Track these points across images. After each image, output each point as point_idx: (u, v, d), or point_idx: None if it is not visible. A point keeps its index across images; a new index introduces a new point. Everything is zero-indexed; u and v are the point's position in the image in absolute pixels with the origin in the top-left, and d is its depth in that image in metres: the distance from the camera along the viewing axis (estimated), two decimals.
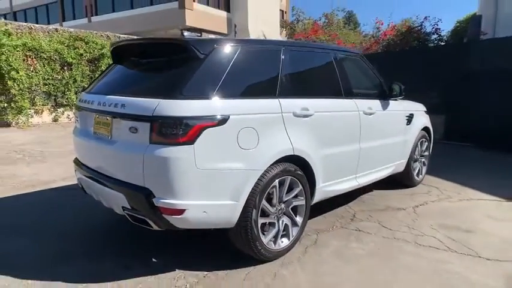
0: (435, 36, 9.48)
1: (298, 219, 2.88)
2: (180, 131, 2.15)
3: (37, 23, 30.77)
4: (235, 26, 18.37)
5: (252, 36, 25.28)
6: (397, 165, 4.21)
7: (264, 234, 2.62)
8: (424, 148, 4.77)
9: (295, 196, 2.83)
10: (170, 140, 2.15)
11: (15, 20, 29.99)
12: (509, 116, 6.98)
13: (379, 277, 2.53)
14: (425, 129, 4.74)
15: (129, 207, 2.34)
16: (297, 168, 2.75)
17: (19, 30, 9.87)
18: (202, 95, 2.28)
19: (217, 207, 2.32)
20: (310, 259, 2.76)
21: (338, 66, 3.32)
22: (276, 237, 2.70)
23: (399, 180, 4.59)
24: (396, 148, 4.10)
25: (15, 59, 8.77)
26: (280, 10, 33.61)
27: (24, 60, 9.12)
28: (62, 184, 4.61)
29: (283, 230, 2.78)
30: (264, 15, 26.87)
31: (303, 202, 2.88)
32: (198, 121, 2.18)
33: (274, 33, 12.65)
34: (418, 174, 4.73)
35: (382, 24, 11.43)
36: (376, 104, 3.68)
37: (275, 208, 2.67)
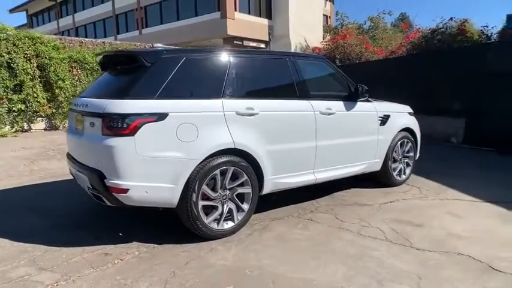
0: (461, 37, 9.23)
1: (245, 206, 3.26)
2: (123, 125, 2.67)
3: (95, 37, 33.56)
4: (270, 33, 18.87)
5: (293, 43, 25.73)
6: (369, 164, 4.40)
7: (206, 215, 3.06)
8: (406, 149, 4.87)
9: (241, 185, 3.23)
10: (115, 132, 2.69)
11: (77, 34, 33.24)
12: None
13: (300, 256, 2.84)
14: (408, 130, 4.85)
15: (90, 186, 2.91)
16: (241, 160, 3.16)
17: (71, 44, 11.26)
18: (146, 96, 2.80)
19: (157, 188, 2.81)
20: (250, 240, 3.13)
21: (293, 70, 3.66)
22: (219, 219, 3.11)
23: (378, 180, 4.75)
24: (366, 147, 4.31)
25: (62, 70, 10.03)
26: (324, 15, 33.63)
27: (69, 70, 10.38)
28: None
29: (228, 214, 3.19)
30: (306, 21, 27.13)
31: (249, 190, 3.26)
32: (138, 117, 2.70)
33: (317, 38, 12.90)
34: (400, 174, 4.85)
35: (407, 27, 11.23)
36: (337, 104, 3.95)
37: (218, 193, 3.09)
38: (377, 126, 4.38)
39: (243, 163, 3.17)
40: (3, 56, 8.87)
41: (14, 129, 9.49)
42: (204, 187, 2.98)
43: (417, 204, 4.15)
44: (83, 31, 33.72)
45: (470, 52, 8.09)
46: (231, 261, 2.75)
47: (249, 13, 27.25)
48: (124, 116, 2.68)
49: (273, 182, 3.47)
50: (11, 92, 9.24)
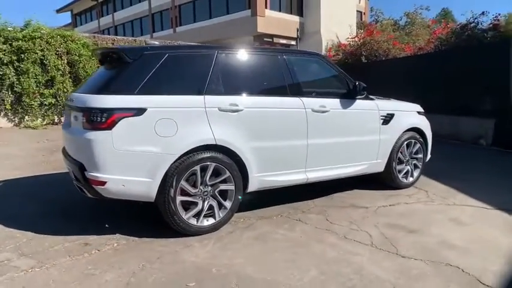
0: (493, 32, 8.62)
1: (227, 203, 3.23)
2: (101, 119, 2.73)
3: (132, 35, 34.66)
4: (298, 30, 18.66)
5: (324, 40, 25.28)
6: (370, 165, 4.21)
7: (186, 210, 3.06)
8: (414, 150, 4.62)
9: (224, 181, 3.20)
10: (94, 126, 2.75)
11: (116, 32, 34.59)
12: None
13: (274, 257, 2.76)
14: (416, 130, 4.60)
15: (74, 178, 3.00)
16: (223, 156, 3.13)
17: (104, 42, 11.74)
18: (126, 91, 2.84)
19: (134, 182, 2.84)
20: (229, 238, 3.10)
21: (285, 67, 3.57)
22: (198, 215, 3.10)
23: (383, 182, 4.55)
24: (366, 147, 4.13)
25: (90, 66, 10.46)
26: (359, 11, 32.80)
27: (98, 67, 10.81)
28: None
29: (210, 211, 3.17)
30: (338, 18, 26.54)
31: (232, 187, 3.22)
32: (116, 111, 2.74)
33: (350, 35, 12.63)
34: (407, 177, 4.61)
35: (433, 23, 10.64)
36: (333, 102, 3.81)
37: (198, 189, 3.08)
38: (378, 125, 4.18)
39: (226, 159, 3.14)
40: (37, 53, 9.37)
41: (45, 122, 10.03)
42: (183, 182, 2.98)
43: (419, 208, 3.92)
44: (121, 29, 35.06)
45: (502, 48, 7.53)
46: (202, 259, 2.73)
47: (280, 10, 27.10)
48: (102, 111, 2.73)
49: (259, 179, 3.41)
50: (43, 87, 9.75)
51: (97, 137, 2.74)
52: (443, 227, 3.40)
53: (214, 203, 3.18)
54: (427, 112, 4.97)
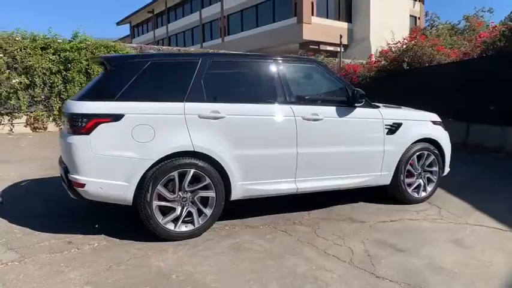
0: None
1: (207, 210, 3.23)
2: (81, 124, 2.88)
3: (184, 45, 36.09)
4: (341, 36, 18.21)
5: (373, 46, 24.46)
6: (373, 177, 3.97)
7: (164, 215, 3.11)
8: (427, 162, 4.27)
9: (204, 188, 3.20)
10: (75, 130, 2.91)
11: (170, 43, 36.41)
12: None
13: (240, 268, 2.70)
14: (430, 140, 4.26)
15: (62, 180, 3.20)
16: (203, 163, 3.14)
17: (150, 51, 12.49)
18: (106, 98, 2.98)
19: (111, 185, 2.95)
20: (205, 245, 3.09)
21: (275, 74, 3.51)
22: (176, 220, 3.13)
23: (391, 196, 4.26)
24: (367, 158, 3.90)
25: None
26: (413, 16, 31.40)
27: None
28: None
29: (190, 217, 3.19)
30: (389, 23, 25.45)
31: (213, 195, 3.22)
32: (94, 117, 2.88)
33: (392, 41, 12.08)
34: (418, 191, 4.27)
35: (479, 25, 9.77)
36: (327, 110, 3.66)
37: (176, 195, 3.12)
38: (382, 135, 3.93)
39: (206, 166, 3.15)
40: (82, 63, 10.16)
41: None
42: (160, 187, 3.04)
43: (422, 226, 3.61)
44: (174, 40, 36.88)
45: None
46: (168, 264, 2.75)
47: (327, 17, 26.78)
48: (82, 116, 2.89)
49: (243, 188, 3.37)
50: None
51: (77, 141, 2.90)
52: (439, 247, 3.11)
53: (194, 210, 3.19)
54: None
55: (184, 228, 3.16)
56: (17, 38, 9.03)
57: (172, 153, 3.03)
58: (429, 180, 4.35)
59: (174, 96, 3.15)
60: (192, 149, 3.09)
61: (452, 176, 4.76)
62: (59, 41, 9.72)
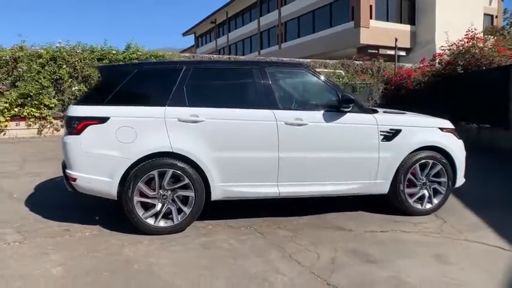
0: None
1: (186, 209, 3.42)
2: (73, 126, 3.27)
3: (243, 53, 37.10)
4: (396, 39, 17.30)
5: (438, 49, 22.92)
6: (366, 185, 3.84)
7: (146, 210, 3.36)
8: (433, 172, 4.00)
9: (184, 188, 3.40)
10: (69, 131, 3.31)
11: (230, 51, 37.76)
12: None
13: (198, 264, 2.84)
14: (436, 149, 3.98)
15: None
16: (182, 164, 3.35)
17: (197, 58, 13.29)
18: (96, 102, 3.34)
19: (97, 181, 3.29)
20: (179, 241, 3.28)
21: (259, 79, 3.60)
22: (156, 216, 3.37)
23: (393, 206, 4.06)
24: (359, 165, 3.78)
25: None
26: (488, 15, 28.86)
27: None
28: None
29: (170, 214, 3.41)
30: (458, 24, 23.74)
31: (192, 194, 3.41)
32: (84, 120, 3.25)
33: (446, 43, 11.18)
34: (422, 203, 4.01)
35: None
36: (313, 115, 3.64)
37: (156, 193, 3.36)
38: (377, 141, 3.78)
39: (185, 167, 3.35)
40: None
41: None
42: (140, 185, 3.30)
43: (410, 239, 3.41)
44: (234, 48, 38.17)
45: None
46: (137, 255, 2.98)
47: (387, 20, 25.72)
48: (74, 119, 3.28)
49: (222, 189, 3.50)
50: None
51: (70, 140, 3.29)
52: (416, 262, 2.93)
53: (173, 207, 3.41)
54: None
55: (162, 223, 3.39)
56: (78, 51, 10.20)
57: (151, 154, 3.29)
58: (436, 192, 4.06)
59: (157, 101, 3.42)
60: (171, 150, 3.31)
61: (479, 187, 4.40)
62: (113, 52, 10.75)
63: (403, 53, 26.37)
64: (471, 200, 4.47)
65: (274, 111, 3.56)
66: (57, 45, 10.09)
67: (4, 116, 9.76)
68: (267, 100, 3.59)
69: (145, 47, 11.66)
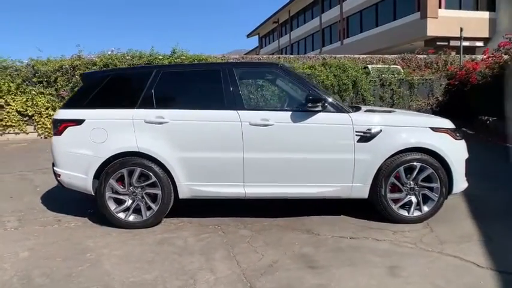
0: None
1: (154, 206, 3.61)
2: (57, 127, 3.67)
3: (305, 51, 36.74)
4: (461, 29, 15.55)
5: None
6: (341, 188, 3.62)
7: (119, 205, 3.63)
8: (422, 176, 3.62)
9: (152, 185, 3.60)
10: (54, 132, 3.72)
11: (292, 50, 37.65)
12: None
13: (144, 257, 3.02)
14: (425, 150, 3.62)
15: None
16: (149, 163, 3.55)
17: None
18: (77, 106, 3.70)
19: (75, 177, 3.64)
20: (143, 235, 3.48)
21: (225, 81, 3.63)
22: (126, 211, 3.62)
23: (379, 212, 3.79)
24: (332, 167, 3.60)
25: None
26: None
27: None
28: None
29: (140, 209, 3.64)
30: None
31: (159, 192, 3.59)
32: (64, 122, 3.63)
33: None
34: (409, 209, 3.67)
35: None
36: (280, 115, 3.57)
37: (126, 189, 3.61)
38: (352, 142, 3.56)
39: (152, 166, 3.54)
40: None
41: None
42: (112, 181, 3.57)
43: (375, 247, 3.17)
44: (296, 47, 38.01)
45: None
46: (95, 246, 3.26)
47: (460, 8, 23.42)
48: (58, 121, 3.68)
49: (189, 188, 3.62)
50: None
51: (55, 140, 3.70)
52: (360, 272, 2.74)
53: (142, 204, 3.62)
54: None
55: (132, 218, 3.63)
56: (127, 57, 11.12)
57: (120, 153, 3.54)
58: (426, 198, 3.69)
59: (128, 104, 3.66)
60: (137, 150, 3.53)
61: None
62: (160, 57, 11.50)
63: (480, 43, 23.80)
64: (477, 208, 3.98)
65: (239, 111, 3.57)
66: (109, 52, 11.13)
67: None
68: (232, 101, 3.62)
69: (190, 51, 12.25)
